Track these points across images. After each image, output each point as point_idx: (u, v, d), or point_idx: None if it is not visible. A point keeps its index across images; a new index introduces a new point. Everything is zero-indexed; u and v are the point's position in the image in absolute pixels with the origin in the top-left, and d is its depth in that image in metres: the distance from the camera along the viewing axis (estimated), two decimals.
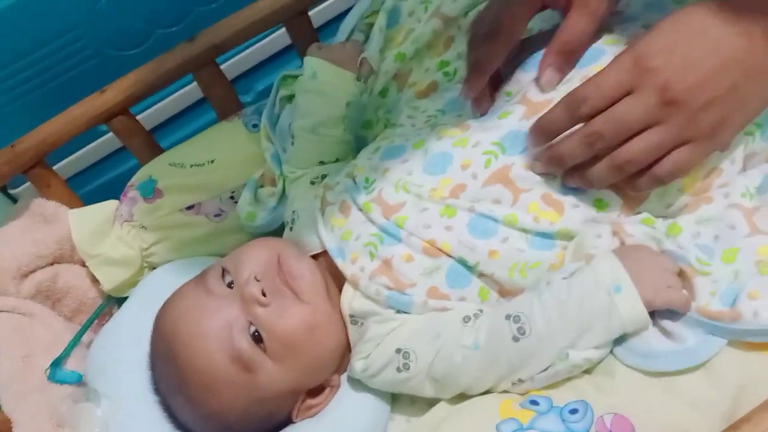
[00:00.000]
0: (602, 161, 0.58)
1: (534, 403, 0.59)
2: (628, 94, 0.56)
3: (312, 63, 0.76)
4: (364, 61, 0.76)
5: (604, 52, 0.65)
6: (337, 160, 0.79)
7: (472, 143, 0.66)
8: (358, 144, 0.81)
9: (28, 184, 1.12)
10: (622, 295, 0.57)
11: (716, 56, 0.54)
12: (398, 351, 0.64)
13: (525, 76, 0.68)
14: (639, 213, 0.63)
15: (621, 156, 0.56)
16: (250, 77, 1.22)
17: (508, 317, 0.60)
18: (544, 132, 0.61)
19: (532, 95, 0.66)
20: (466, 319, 0.63)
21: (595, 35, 0.65)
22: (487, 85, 0.67)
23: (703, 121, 0.55)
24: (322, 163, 0.78)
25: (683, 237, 0.60)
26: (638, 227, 0.62)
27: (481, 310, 0.63)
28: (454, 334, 0.62)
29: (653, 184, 0.58)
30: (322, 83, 0.75)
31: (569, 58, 0.64)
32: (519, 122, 0.65)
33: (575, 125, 0.59)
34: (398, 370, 0.64)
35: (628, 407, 0.56)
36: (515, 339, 0.59)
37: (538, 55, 0.69)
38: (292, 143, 0.79)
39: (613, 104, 0.56)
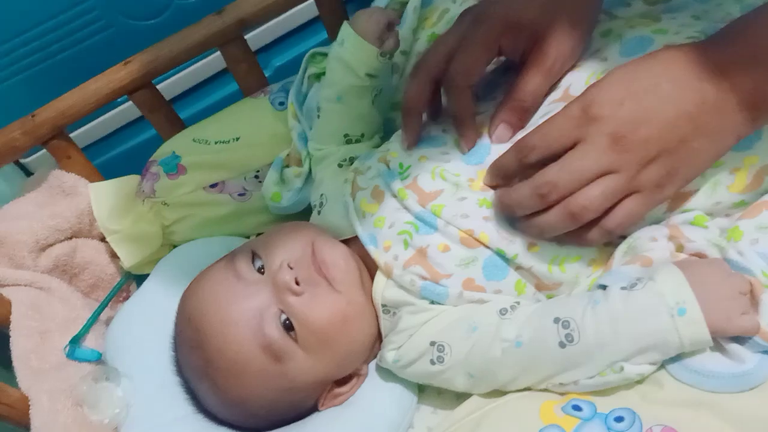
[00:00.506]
0: (555, 208, 0.56)
1: (577, 408, 0.57)
2: (575, 143, 0.55)
3: (344, 30, 0.73)
4: (391, 35, 0.72)
5: (652, 41, 0.63)
6: (362, 136, 0.76)
7: None
8: (386, 126, 0.79)
9: (39, 153, 1.11)
10: (685, 319, 0.53)
11: (667, 110, 0.53)
12: (432, 343, 0.62)
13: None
14: (688, 209, 0.61)
15: (577, 202, 0.55)
16: (269, 52, 1.20)
17: (557, 321, 0.57)
18: (497, 175, 0.61)
19: (573, 91, 0.64)
20: (502, 312, 0.61)
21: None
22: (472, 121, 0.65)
23: (652, 172, 0.54)
24: (347, 137, 0.75)
25: (743, 243, 0.57)
26: (698, 232, 0.59)
27: (517, 302, 0.62)
28: (491, 328, 0.60)
29: (604, 236, 0.57)
30: (345, 51, 0.72)
31: (522, 116, 0.63)
32: None
33: (525, 171, 0.58)
34: (432, 362, 0.62)
35: (677, 421, 0.53)
36: (562, 345, 0.57)
37: None
38: (318, 116, 0.76)
39: (560, 153, 0.56)
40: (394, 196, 0.66)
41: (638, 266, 0.59)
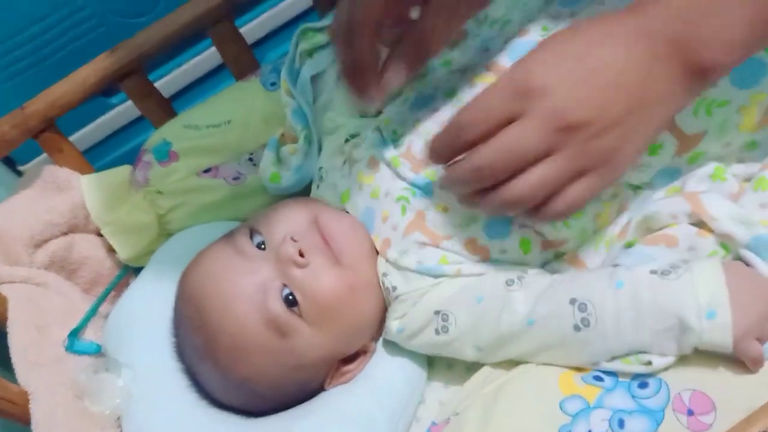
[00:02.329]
0: (491, 196, 0.51)
1: (598, 378, 0.54)
2: (514, 117, 0.49)
3: None
4: None
5: None
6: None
7: None
8: None
9: (36, 160, 1.10)
10: (712, 324, 0.50)
11: (611, 80, 0.47)
12: (437, 312, 0.60)
13: (563, 12, 0.64)
14: (697, 152, 0.58)
15: (513, 194, 0.49)
16: (264, 46, 1.19)
17: (573, 302, 0.54)
18: (435, 155, 0.54)
19: None
20: (509, 282, 0.58)
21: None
22: (376, 77, 0.58)
23: (597, 148, 0.48)
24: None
25: None
26: (721, 207, 0.55)
27: (524, 272, 0.59)
28: (498, 300, 0.58)
29: (551, 219, 0.51)
30: None
31: (420, 55, 0.57)
32: None
33: (464, 150, 0.52)
34: (437, 332, 0.60)
35: (706, 384, 0.51)
36: (576, 328, 0.54)
37: None
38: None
39: (498, 129, 0.49)
40: (388, 165, 0.64)
41: (664, 246, 0.55)
